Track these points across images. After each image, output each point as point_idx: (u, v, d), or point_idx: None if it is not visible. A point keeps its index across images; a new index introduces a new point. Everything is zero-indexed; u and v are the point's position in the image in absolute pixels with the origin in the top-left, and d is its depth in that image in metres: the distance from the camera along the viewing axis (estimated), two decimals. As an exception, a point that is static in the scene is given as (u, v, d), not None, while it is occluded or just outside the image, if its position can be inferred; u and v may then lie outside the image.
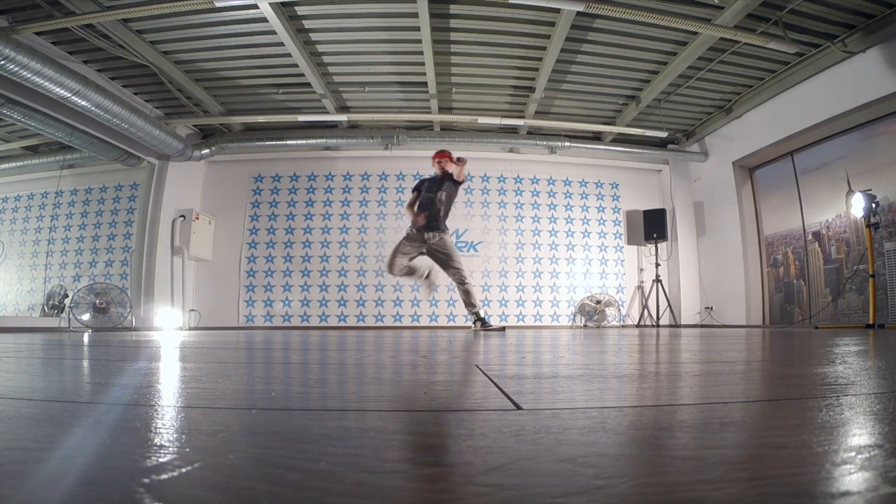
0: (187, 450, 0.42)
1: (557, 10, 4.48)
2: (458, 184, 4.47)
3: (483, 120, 6.67)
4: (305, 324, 7.23)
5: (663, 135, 6.95)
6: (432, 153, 7.41)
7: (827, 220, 5.62)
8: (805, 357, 1.47)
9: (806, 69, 5.32)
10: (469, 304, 4.46)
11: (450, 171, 4.47)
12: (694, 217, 7.55)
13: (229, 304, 7.24)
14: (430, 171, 7.59)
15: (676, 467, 0.37)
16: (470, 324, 4.55)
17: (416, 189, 4.66)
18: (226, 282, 7.29)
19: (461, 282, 4.41)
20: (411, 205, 4.62)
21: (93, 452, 0.41)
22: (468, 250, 7.42)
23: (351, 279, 7.30)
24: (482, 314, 4.49)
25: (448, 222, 4.63)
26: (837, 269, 5.47)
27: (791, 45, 4.73)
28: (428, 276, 4.48)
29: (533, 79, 5.87)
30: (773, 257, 6.49)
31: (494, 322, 7.21)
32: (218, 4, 4.13)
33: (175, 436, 0.47)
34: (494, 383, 0.86)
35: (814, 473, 0.35)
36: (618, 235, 7.76)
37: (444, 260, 4.42)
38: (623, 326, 7.09)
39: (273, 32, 4.84)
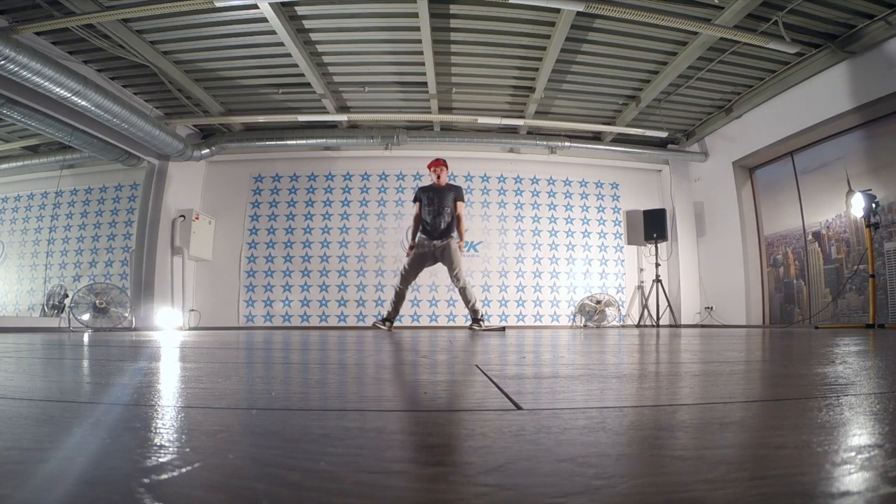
0: (187, 450, 0.42)
1: (557, 11, 4.48)
2: (457, 196, 4.72)
3: (483, 120, 6.67)
4: (305, 324, 7.23)
5: (663, 135, 6.95)
6: (433, 154, 7.46)
7: (827, 220, 5.62)
8: (805, 357, 1.47)
9: (806, 69, 5.32)
10: (467, 303, 4.63)
11: (457, 188, 4.75)
12: (694, 217, 7.55)
13: (229, 304, 7.24)
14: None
15: (676, 467, 0.37)
16: (469, 323, 4.66)
17: (417, 199, 4.80)
18: (226, 282, 7.29)
19: (456, 282, 4.62)
20: (418, 217, 4.79)
21: (93, 452, 0.41)
22: (468, 250, 7.41)
23: (351, 279, 7.30)
24: (480, 315, 4.61)
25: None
26: (837, 269, 5.47)
27: (791, 46, 4.73)
28: (385, 322, 4.66)
29: (533, 79, 5.87)
30: (773, 257, 6.49)
31: (494, 322, 7.21)
32: (218, 4, 4.13)
33: (175, 436, 0.47)
34: (494, 383, 0.86)
35: (814, 473, 0.35)
36: (618, 235, 7.76)
37: (447, 262, 4.62)
38: (623, 326, 7.09)
39: (273, 32, 4.84)
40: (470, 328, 4.60)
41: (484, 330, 4.48)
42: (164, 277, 6.63)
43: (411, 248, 4.73)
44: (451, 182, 4.75)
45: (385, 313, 4.68)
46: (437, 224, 4.62)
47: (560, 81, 5.97)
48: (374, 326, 4.66)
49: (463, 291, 4.58)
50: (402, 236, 7.23)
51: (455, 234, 4.70)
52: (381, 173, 7.56)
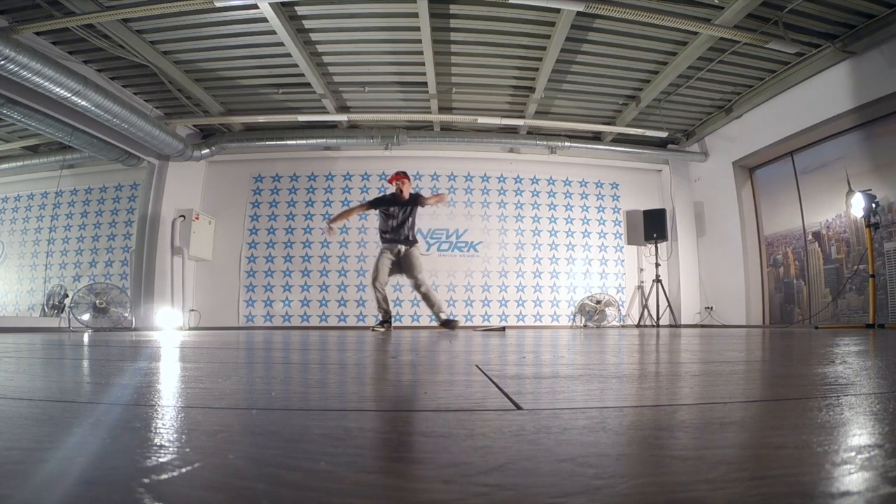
0: (187, 450, 0.42)
1: (557, 10, 4.48)
2: (418, 205, 4.79)
3: (483, 120, 6.67)
4: (305, 324, 7.23)
5: (663, 135, 6.95)
6: (433, 154, 7.46)
7: (827, 220, 5.62)
8: (805, 357, 1.47)
9: (806, 69, 5.32)
10: (431, 306, 4.66)
11: (416, 196, 4.82)
12: (694, 217, 7.55)
13: (229, 304, 7.24)
14: (429, 171, 7.63)
15: (676, 467, 0.37)
16: (439, 324, 4.70)
17: (374, 205, 4.83)
18: (226, 282, 7.29)
19: (418, 288, 4.67)
20: (355, 210, 4.96)
21: (93, 452, 0.41)
22: (468, 250, 7.42)
23: (351, 279, 7.30)
24: (444, 316, 4.64)
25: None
26: (837, 269, 5.47)
27: (791, 45, 4.73)
28: (384, 324, 4.72)
29: (533, 79, 5.87)
30: (773, 257, 6.49)
31: (495, 322, 7.21)
32: (218, 4, 4.14)
33: (175, 436, 0.47)
34: (494, 383, 0.86)
35: (814, 473, 0.35)
36: (618, 235, 7.76)
37: (409, 268, 4.69)
38: (623, 326, 7.09)
39: (273, 32, 4.84)
40: (450, 328, 4.57)
41: (484, 329, 4.48)
42: (164, 277, 6.63)
43: (330, 223, 4.83)
44: (414, 192, 4.88)
45: (381, 316, 4.71)
46: (399, 235, 4.70)
47: (560, 81, 5.96)
48: (373, 330, 4.68)
49: (426, 297, 4.63)
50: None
51: (416, 244, 4.78)
52: (382, 173, 7.55)
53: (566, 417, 0.56)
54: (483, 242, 7.47)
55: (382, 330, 4.54)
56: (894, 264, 4.74)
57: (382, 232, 4.80)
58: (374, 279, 4.63)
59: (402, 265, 4.70)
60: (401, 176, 4.78)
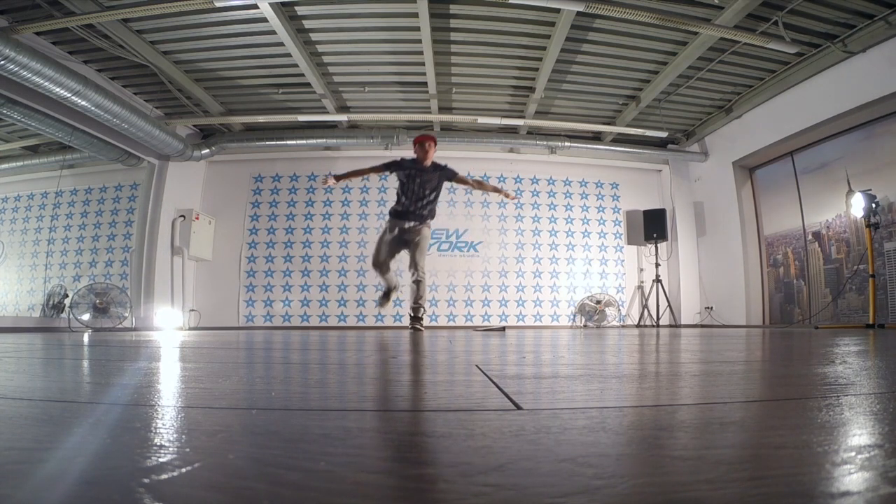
0: (187, 450, 0.42)
1: (557, 11, 4.48)
2: (449, 176, 4.18)
3: (483, 120, 6.67)
4: (305, 324, 7.23)
5: (663, 135, 6.95)
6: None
7: (827, 220, 5.62)
8: (805, 357, 1.47)
9: (806, 69, 5.32)
10: (418, 300, 4.09)
11: (446, 169, 4.18)
12: (694, 217, 7.55)
13: (229, 304, 7.24)
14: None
15: (676, 467, 0.37)
16: (410, 322, 4.21)
17: (389, 167, 4.20)
18: (226, 282, 7.29)
19: (415, 274, 4.05)
20: (368, 172, 4.26)
21: (93, 452, 0.41)
22: (468, 250, 7.41)
23: (351, 279, 7.30)
24: (422, 314, 4.12)
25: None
26: (837, 269, 5.47)
27: (791, 45, 4.73)
28: (388, 295, 4.26)
29: (533, 79, 5.87)
30: (773, 257, 6.49)
31: (494, 322, 7.21)
32: (218, 4, 4.13)
33: (175, 436, 0.47)
34: (494, 383, 0.86)
35: (814, 473, 0.35)
36: (618, 235, 7.76)
37: (415, 246, 4.06)
38: (623, 326, 7.09)
39: (273, 32, 4.84)
40: (412, 328, 4.10)
41: (484, 330, 4.47)
42: (164, 277, 6.63)
43: (337, 178, 4.21)
44: (438, 163, 4.18)
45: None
46: (415, 208, 4.04)
47: (560, 81, 5.96)
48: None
49: (418, 285, 4.01)
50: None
51: (430, 220, 4.15)
52: (382, 173, 7.55)
53: (566, 417, 0.56)
54: (483, 242, 7.47)
55: (390, 301, 4.15)
56: (894, 264, 4.74)
57: (395, 204, 4.13)
58: (374, 262, 4.14)
59: (409, 241, 4.05)
60: (427, 138, 4.02)
